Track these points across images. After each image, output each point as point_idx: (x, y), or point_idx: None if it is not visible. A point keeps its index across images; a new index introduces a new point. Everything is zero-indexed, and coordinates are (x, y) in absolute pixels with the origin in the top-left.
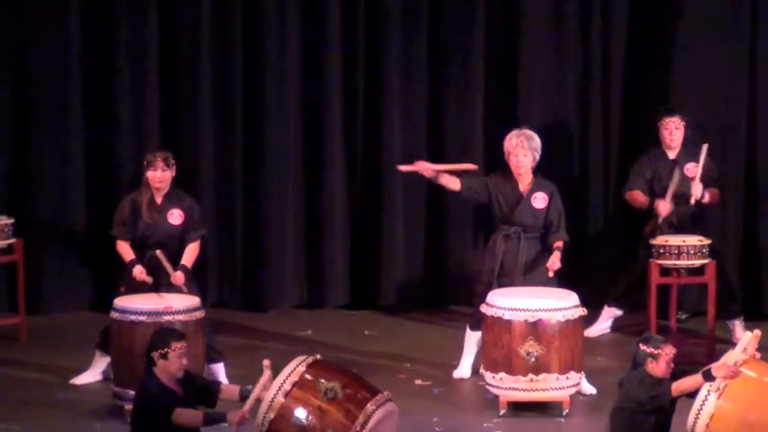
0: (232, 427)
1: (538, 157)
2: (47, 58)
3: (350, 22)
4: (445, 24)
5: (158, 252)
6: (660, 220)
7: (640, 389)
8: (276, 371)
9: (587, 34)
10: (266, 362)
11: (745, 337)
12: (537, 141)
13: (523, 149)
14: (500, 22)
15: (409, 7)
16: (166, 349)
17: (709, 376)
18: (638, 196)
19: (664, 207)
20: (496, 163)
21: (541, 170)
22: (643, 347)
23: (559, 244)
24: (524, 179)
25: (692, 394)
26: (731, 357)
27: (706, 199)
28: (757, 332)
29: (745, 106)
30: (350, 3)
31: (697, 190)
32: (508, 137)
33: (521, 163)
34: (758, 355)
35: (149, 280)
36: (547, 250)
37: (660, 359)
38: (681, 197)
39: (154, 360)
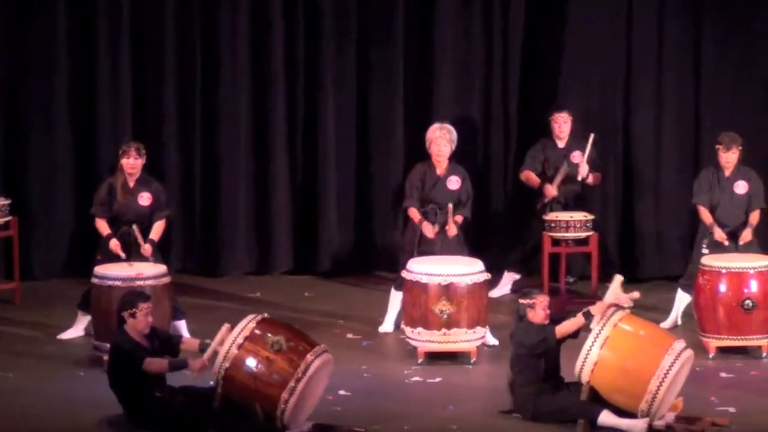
0: (193, 373)
1: (454, 147)
2: (37, 65)
3: (292, 30)
4: (370, 32)
5: (135, 227)
6: (546, 200)
7: (527, 336)
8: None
9: (489, 46)
10: (226, 325)
11: (615, 281)
12: (455, 134)
13: (444, 140)
14: (416, 36)
15: (340, 19)
16: (134, 310)
17: (588, 316)
18: (531, 177)
19: (550, 191)
20: (413, 149)
21: (453, 157)
22: (521, 301)
23: (459, 218)
24: (442, 165)
25: (575, 335)
26: (606, 298)
27: (590, 180)
28: (620, 276)
29: (621, 103)
30: (291, 19)
31: (583, 170)
32: (431, 129)
33: (442, 152)
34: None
35: (122, 255)
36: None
37: (536, 307)
38: (570, 178)
39: (125, 318)
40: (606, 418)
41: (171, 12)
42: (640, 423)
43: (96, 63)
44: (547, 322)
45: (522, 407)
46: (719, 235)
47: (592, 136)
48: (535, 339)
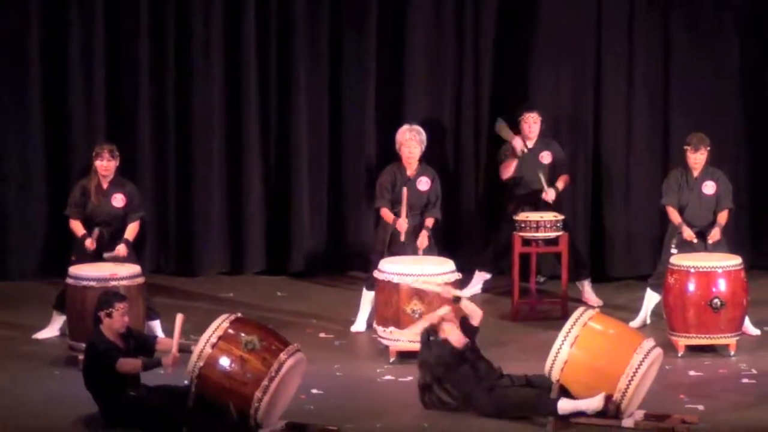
0: (167, 369)
1: (424, 148)
2: (9, 68)
3: (265, 35)
4: (343, 35)
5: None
6: (517, 147)
7: (431, 354)
8: (203, 328)
9: (461, 47)
10: (180, 315)
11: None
12: (424, 135)
13: (414, 142)
14: (388, 39)
15: (312, 21)
16: (110, 309)
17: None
18: (507, 163)
19: (520, 144)
20: (385, 151)
21: (424, 158)
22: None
23: (430, 222)
24: (412, 166)
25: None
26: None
27: (560, 186)
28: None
29: (591, 103)
30: (264, 24)
31: (550, 195)
32: (401, 131)
33: (412, 154)
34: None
35: (94, 246)
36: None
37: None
38: (536, 183)
39: (101, 318)
40: (564, 404)
41: (145, 13)
42: (597, 398)
43: (69, 65)
44: (457, 326)
45: (482, 411)
46: (688, 234)
47: (541, 176)
48: (434, 355)
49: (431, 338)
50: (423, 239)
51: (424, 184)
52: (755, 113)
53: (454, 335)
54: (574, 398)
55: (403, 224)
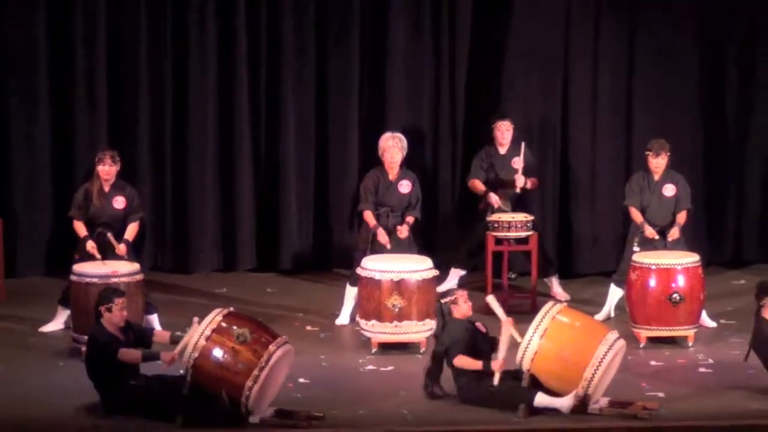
0: (164, 364)
1: (405, 153)
2: (14, 77)
3: (255, 47)
4: (328, 49)
5: (109, 234)
6: (489, 204)
7: (445, 336)
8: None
9: (438, 57)
10: (195, 319)
11: (505, 335)
12: (405, 142)
13: (396, 149)
14: (370, 51)
15: (299, 32)
16: (110, 304)
17: (487, 367)
18: (478, 185)
19: (494, 200)
20: (367, 157)
21: (405, 163)
22: (444, 301)
23: (410, 219)
24: (394, 171)
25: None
26: (501, 353)
27: (529, 185)
28: (509, 319)
29: (559, 111)
30: (255, 35)
31: (519, 181)
32: (384, 137)
33: (394, 159)
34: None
35: (98, 256)
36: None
37: (458, 300)
38: (509, 184)
39: (102, 313)
40: (541, 399)
41: (144, 31)
42: (568, 399)
43: (74, 76)
44: (470, 313)
45: (463, 398)
46: (650, 231)
47: (523, 146)
48: (444, 343)
49: (447, 315)
50: (403, 229)
51: (405, 187)
52: (712, 120)
53: (464, 308)
54: (543, 386)
55: (384, 237)
